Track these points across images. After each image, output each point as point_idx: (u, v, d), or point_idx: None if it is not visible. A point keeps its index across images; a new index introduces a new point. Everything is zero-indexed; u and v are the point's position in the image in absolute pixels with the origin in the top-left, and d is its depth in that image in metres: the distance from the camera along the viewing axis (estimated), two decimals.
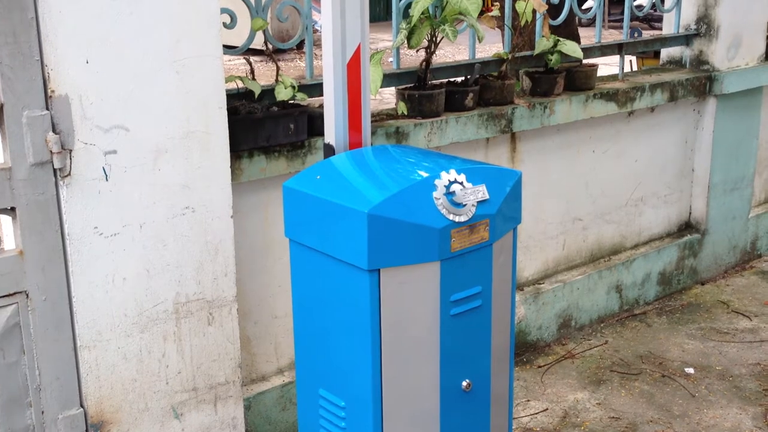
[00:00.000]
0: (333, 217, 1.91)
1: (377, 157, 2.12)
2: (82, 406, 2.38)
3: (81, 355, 2.35)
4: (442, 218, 1.91)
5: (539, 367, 3.69)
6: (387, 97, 8.09)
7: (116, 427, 2.44)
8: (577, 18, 4.20)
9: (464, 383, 2.04)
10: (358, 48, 2.10)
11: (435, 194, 1.92)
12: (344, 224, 1.88)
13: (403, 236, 1.87)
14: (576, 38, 5.44)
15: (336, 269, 1.94)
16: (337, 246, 1.92)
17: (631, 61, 6.51)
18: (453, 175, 1.95)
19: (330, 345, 2.03)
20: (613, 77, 4.09)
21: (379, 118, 3.20)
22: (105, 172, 2.28)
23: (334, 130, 2.13)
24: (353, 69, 2.11)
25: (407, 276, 1.90)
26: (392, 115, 3.23)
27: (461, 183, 1.95)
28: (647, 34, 5.12)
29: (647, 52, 5.54)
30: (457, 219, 1.93)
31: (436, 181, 1.93)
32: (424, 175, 1.95)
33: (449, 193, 1.93)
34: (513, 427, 3.20)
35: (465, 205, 1.94)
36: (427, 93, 3.21)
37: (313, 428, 2.12)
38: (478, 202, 1.97)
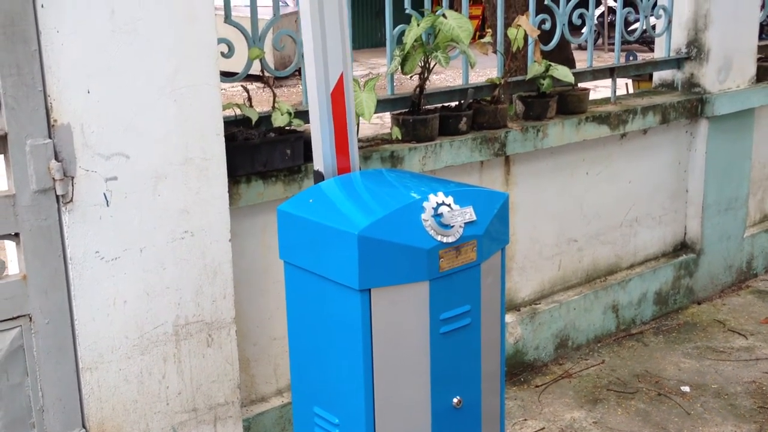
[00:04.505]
0: (325, 238, 1.98)
1: (367, 181, 2.20)
2: (84, 427, 2.43)
3: (83, 377, 2.41)
4: (430, 239, 1.98)
5: (536, 386, 3.73)
6: (389, 122, 8.17)
7: None
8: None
9: (455, 400, 2.09)
10: (341, 77, 2.17)
11: (423, 216, 1.98)
12: (336, 246, 1.95)
13: (392, 257, 1.94)
14: (571, 62, 5.54)
15: (328, 289, 2.00)
16: (329, 267, 1.98)
17: (627, 84, 6.60)
18: (441, 197, 2.02)
19: (324, 363, 2.09)
20: (605, 100, 4.16)
21: (374, 142, 3.27)
22: (106, 198, 2.35)
23: (322, 157, 2.20)
24: (337, 97, 2.18)
25: (397, 295, 1.96)
26: (387, 139, 3.30)
27: (449, 205, 2.02)
28: (647, 56, 5.19)
29: (642, 75, 5.63)
30: (445, 240, 1.99)
31: (425, 204, 1.99)
32: (413, 197, 2.01)
33: (437, 215, 2.00)
34: None
35: (453, 226, 2.01)
36: (421, 118, 3.28)
37: None
38: (465, 223, 2.04)
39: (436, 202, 2.01)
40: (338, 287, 1.97)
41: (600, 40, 15.95)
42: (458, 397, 2.09)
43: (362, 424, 2.00)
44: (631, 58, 6.31)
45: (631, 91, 6.53)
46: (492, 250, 2.13)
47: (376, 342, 1.96)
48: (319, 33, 2.12)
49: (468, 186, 2.15)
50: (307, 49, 2.15)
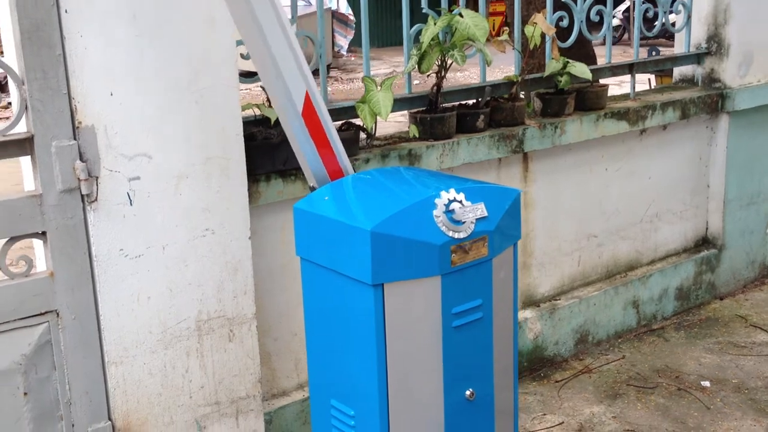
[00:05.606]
0: (339, 235, 2.04)
1: (381, 178, 2.25)
2: (110, 419, 2.51)
3: (109, 371, 2.48)
4: (442, 235, 2.02)
5: (556, 381, 3.76)
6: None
7: None
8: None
9: (467, 392, 2.14)
10: (306, 95, 2.19)
11: (435, 212, 2.03)
12: (349, 242, 2.00)
13: (405, 252, 1.99)
14: (592, 59, 5.54)
15: (343, 284, 2.06)
16: (343, 262, 2.04)
17: (649, 79, 6.59)
18: (452, 194, 2.06)
19: (339, 357, 2.14)
20: (624, 96, 4.18)
21: (392, 141, 3.32)
22: (129, 198, 2.42)
23: (312, 174, 2.26)
24: (309, 116, 2.20)
25: (410, 290, 2.01)
26: (405, 137, 3.35)
27: (460, 201, 2.06)
28: (668, 52, 5.19)
29: (665, 70, 5.62)
30: (456, 235, 2.04)
31: (436, 200, 2.04)
32: (425, 194, 2.06)
33: (449, 211, 2.04)
34: None
35: (464, 222, 2.05)
36: (438, 116, 3.33)
37: None
38: (476, 219, 2.08)
39: (448, 199, 2.05)
40: (352, 282, 2.02)
41: (626, 35, 15.87)
42: (471, 390, 2.13)
43: (376, 415, 2.05)
44: (654, 53, 6.29)
45: (654, 86, 6.52)
46: (504, 245, 2.17)
47: (390, 336, 2.01)
48: (269, 60, 2.12)
49: (479, 183, 2.19)
50: (265, 80, 2.18)
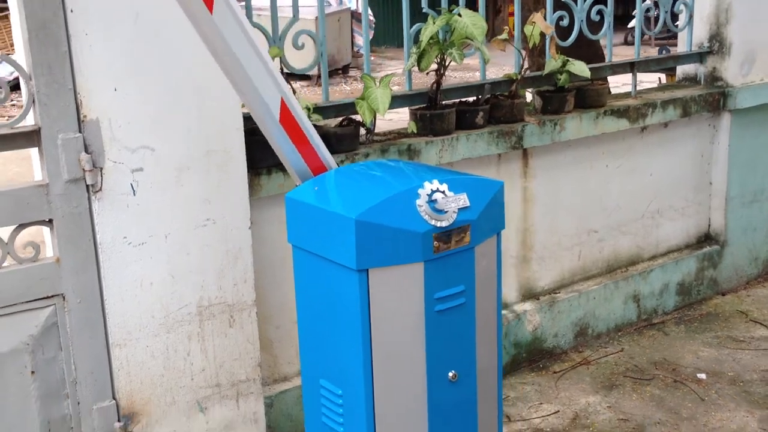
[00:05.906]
0: (326, 223, 2.14)
1: (367, 170, 2.35)
2: (114, 398, 2.63)
3: (113, 353, 2.60)
4: (424, 223, 2.12)
5: (554, 372, 3.84)
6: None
7: (146, 418, 2.68)
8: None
9: (450, 374, 2.23)
10: (282, 102, 2.26)
11: (418, 202, 2.12)
12: (336, 229, 2.10)
13: (388, 239, 2.08)
14: (600, 57, 5.60)
15: (330, 270, 2.16)
16: (330, 249, 2.14)
17: (660, 78, 6.64)
18: (435, 184, 2.16)
19: (328, 339, 2.24)
20: (626, 94, 4.25)
21: (392, 136, 3.42)
22: (132, 188, 2.54)
23: (297, 174, 2.36)
24: (287, 122, 2.28)
25: (394, 275, 2.11)
26: (405, 133, 3.44)
27: (443, 192, 2.16)
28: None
29: (672, 69, 5.68)
30: (439, 224, 2.13)
31: (419, 190, 2.14)
32: (409, 184, 2.16)
33: (431, 201, 2.14)
34: (519, 426, 3.37)
35: (446, 211, 2.15)
36: (438, 112, 3.42)
37: (316, 415, 2.34)
38: (459, 209, 2.17)
39: (431, 189, 2.15)
40: (339, 268, 2.12)
41: (644, 35, 15.81)
42: (453, 371, 2.23)
43: (362, 395, 2.15)
44: (664, 52, 6.34)
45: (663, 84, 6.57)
46: (486, 234, 2.26)
47: (374, 319, 2.11)
48: (242, 74, 2.19)
49: (463, 174, 2.28)
50: (239, 92, 2.25)
